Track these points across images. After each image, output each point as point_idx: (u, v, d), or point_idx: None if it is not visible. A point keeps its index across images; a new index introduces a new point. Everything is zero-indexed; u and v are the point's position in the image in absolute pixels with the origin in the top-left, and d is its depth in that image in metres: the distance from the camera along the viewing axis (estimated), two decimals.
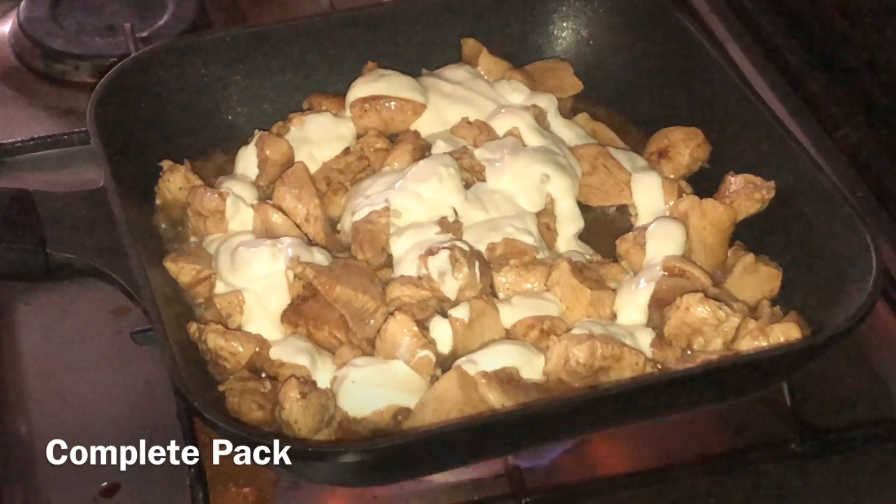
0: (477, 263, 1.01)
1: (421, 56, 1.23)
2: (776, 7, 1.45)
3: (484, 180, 1.10)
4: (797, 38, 1.41)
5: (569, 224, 1.10)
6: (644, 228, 1.08)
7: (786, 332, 0.95)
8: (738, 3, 1.49)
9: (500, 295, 1.03)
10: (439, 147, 1.13)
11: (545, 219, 1.09)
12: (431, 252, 1.00)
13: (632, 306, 1.01)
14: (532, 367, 0.96)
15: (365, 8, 1.27)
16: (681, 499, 0.99)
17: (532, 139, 1.14)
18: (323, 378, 0.96)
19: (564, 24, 1.27)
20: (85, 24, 1.41)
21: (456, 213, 1.07)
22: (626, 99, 1.24)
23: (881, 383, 1.10)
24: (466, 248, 1.01)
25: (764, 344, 0.95)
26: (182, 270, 1.02)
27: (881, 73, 1.29)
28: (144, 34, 1.36)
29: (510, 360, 0.95)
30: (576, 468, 1.00)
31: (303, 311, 1.00)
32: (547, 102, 1.19)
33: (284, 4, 1.51)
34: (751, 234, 1.08)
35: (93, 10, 1.43)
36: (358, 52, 1.21)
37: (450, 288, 1.00)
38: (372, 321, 0.99)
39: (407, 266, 1.02)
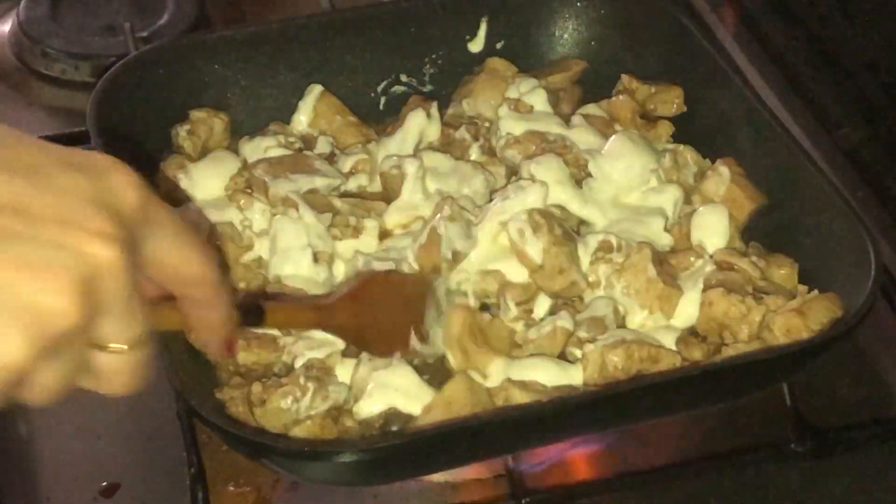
0: (557, 226, 1.02)
1: (421, 56, 1.23)
2: (776, 7, 1.45)
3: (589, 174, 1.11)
4: (797, 39, 1.41)
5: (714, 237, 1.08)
6: (688, 216, 1.08)
7: (827, 307, 0.96)
8: (738, 3, 1.49)
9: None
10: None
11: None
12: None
13: (687, 302, 1.02)
14: (566, 379, 0.96)
15: (365, 8, 1.27)
16: (681, 499, 0.99)
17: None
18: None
19: (567, 25, 1.27)
20: (85, 24, 1.41)
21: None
22: None
23: (881, 383, 1.10)
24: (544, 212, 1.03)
25: (799, 322, 0.95)
26: None
27: (881, 73, 1.29)
28: (144, 34, 1.36)
29: (543, 376, 0.95)
30: (576, 468, 1.00)
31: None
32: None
33: (284, 4, 1.51)
34: (750, 235, 1.08)
35: (93, 9, 1.43)
36: (358, 52, 1.22)
37: (533, 249, 1.00)
38: None
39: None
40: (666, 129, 1.18)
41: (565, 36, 1.27)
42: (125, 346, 0.62)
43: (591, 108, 1.19)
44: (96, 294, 0.59)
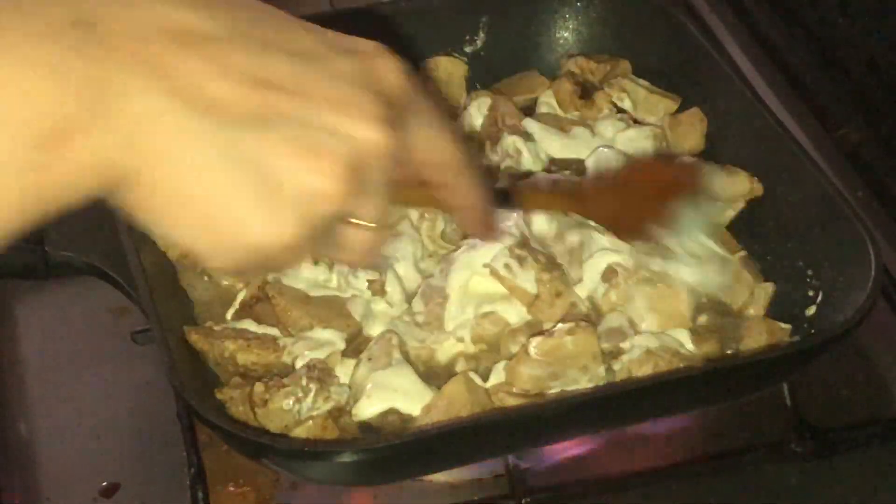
0: (540, 255, 0.99)
1: (421, 56, 1.23)
2: (776, 7, 1.45)
3: None
4: (797, 38, 1.41)
5: None
6: None
7: None
8: (738, 3, 1.49)
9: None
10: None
11: None
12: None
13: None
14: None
15: (365, 8, 1.27)
16: (681, 499, 0.99)
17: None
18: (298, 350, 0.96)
19: (567, 25, 1.27)
20: None
21: None
22: None
23: (881, 383, 1.10)
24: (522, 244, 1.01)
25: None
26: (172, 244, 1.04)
27: (881, 73, 1.29)
28: None
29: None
30: (576, 468, 1.00)
31: (254, 311, 1.00)
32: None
33: (284, 4, 1.50)
34: (750, 236, 1.08)
35: None
36: None
37: (526, 280, 0.98)
38: None
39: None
40: (603, 99, 1.18)
41: (565, 36, 1.27)
42: (371, 224, 0.65)
43: (544, 97, 1.21)
44: (360, 177, 0.61)
